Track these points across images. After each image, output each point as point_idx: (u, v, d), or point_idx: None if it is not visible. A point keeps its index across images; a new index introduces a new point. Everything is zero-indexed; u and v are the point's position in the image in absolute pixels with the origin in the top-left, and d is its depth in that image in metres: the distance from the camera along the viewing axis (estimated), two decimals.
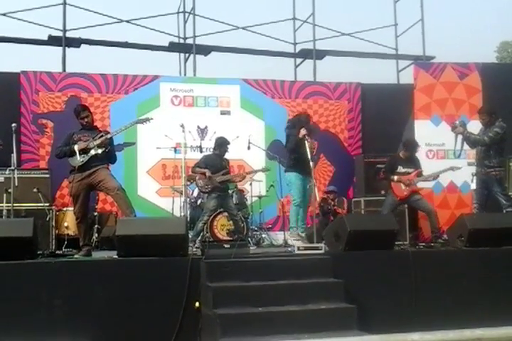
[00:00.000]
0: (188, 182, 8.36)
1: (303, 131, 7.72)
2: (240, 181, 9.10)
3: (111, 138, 6.90)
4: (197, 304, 5.74)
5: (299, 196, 7.80)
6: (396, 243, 6.91)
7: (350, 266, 6.23)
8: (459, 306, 6.30)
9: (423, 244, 8.07)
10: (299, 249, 6.57)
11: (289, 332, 5.16)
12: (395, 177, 8.29)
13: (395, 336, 3.08)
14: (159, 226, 6.12)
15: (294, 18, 12.73)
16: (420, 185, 8.54)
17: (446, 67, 10.53)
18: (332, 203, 10.09)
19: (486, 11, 31.07)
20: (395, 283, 6.28)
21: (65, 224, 8.43)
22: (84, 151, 6.68)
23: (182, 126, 7.57)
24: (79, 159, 6.65)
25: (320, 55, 12.30)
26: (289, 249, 7.15)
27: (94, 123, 7.27)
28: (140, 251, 5.85)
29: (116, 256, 6.05)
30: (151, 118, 7.14)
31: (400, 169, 8.35)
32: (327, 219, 9.76)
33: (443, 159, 10.07)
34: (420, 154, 9.07)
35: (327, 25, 12.46)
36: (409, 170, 8.37)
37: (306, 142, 7.54)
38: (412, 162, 8.50)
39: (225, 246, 6.31)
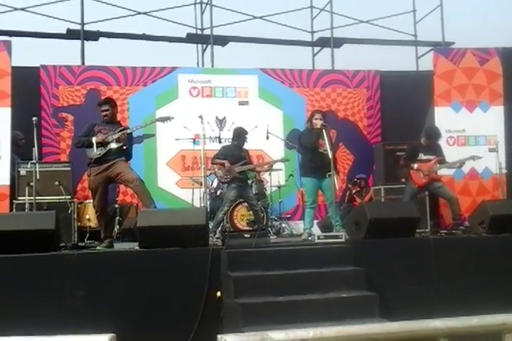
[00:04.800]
0: (208, 173, 8.38)
1: (320, 121, 7.56)
2: (267, 170, 9.12)
3: (130, 133, 6.90)
4: (218, 294, 5.77)
5: (311, 198, 7.61)
6: (417, 230, 6.88)
7: (371, 254, 6.21)
8: (482, 293, 6.25)
9: (444, 231, 8.03)
10: (319, 238, 6.57)
11: (311, 320, 5.13)
12: (415, 166, 8.18)
13: (417, 323, 3.08)
14: (180, 217, 6.16)
15: (312, 7, 12.65)
16: (441, 172, 8.47)
17: (466, 53, 10.38)
18: (354, 191, 10.11)
19: None
20: (417, 271, 6.25)
21: (87, 217, 8.48)
22: (102, 144, 6.71)
23: (201, 117, 7.59)
24: (96, 151, 6.69)
25: (338, 43, 12.24)
26: (310, 238, 7.16)
27: (118, 118, 7.26)
28: (161, 242, 5.90)
29: (137, 248, 6.09)
30: (172, 117, 7.05)
31: (421, 156, 8.24)
32: (351, 206, 9.79)
33: (464, 146, 9.97)
34: (441, 141, 8.96)
35: (344, 13, 12.38)
36: (431, 157, 8.27)
37: (324, 132, 7.39)
38: (434, 149, 8.39)
39: (246, 235, 6.32)
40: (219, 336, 2.81)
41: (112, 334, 2.85)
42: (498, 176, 9.44)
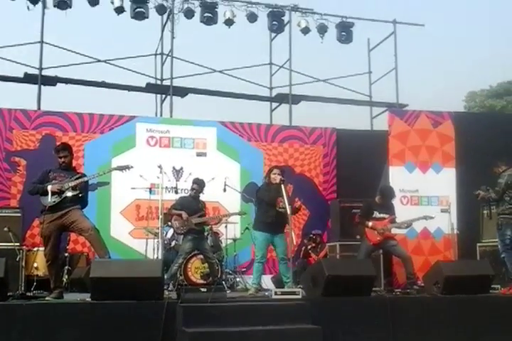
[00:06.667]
0: (164, 224, 8.27)
1: (278, 176, 7.50)
2: (216, 224, 9.03)
3: (86, 181, 6.78)
4: None
5: (261, 253, 7.50)
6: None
7: (328, 312, 6.18)
8: None
9: (398, 290, 8.05)
10: (276, 293, 6.49)
11: None
12: (370, 224, 8.27)
13: None
14: (135, 269, 6.03)
15: (271, 63, 12.94)
16: (394, 230, 8.55)
17: (420, 115, 10.74)
18: (309, 246, 10.13)
19: (454, 64, 32.10)
20: (373, 329, 6.23)
21: (35, 265, 8.24)
22: (57, 192, 6.55)
23: (160, 167, 7.55)
24: (50, 200, 6.49)
25: (296, 99, 12.45)
26: (266, 293, 7.06)
27: (73, 165, 7.10)
28: (115, 294, 5.74)
29: (89, 299, 5.90)
30: (131, 167, 7.01)
31: (376, 214, 8.34)
32: (305, 262, 9.78)
33: (417, 205, 10.20)
34: (394, 200, 9.09)
35: (303, 71, 12.70)
36: (385, 215, 8.38)
37: (282, 187, 7.28)
38: (387, 208, 8.51)
39: (202, 289, 6.19)
40: None
41: None
42: (450, 236, 9.62)
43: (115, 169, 7.20)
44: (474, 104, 25.51)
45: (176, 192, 9.33)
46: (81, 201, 6.73)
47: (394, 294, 7.44)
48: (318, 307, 6.14)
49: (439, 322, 6.45)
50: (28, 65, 11.23)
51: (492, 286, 7.25)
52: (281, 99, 12.57)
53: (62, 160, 6.75)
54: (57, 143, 7.29)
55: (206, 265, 8.57)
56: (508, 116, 17.14)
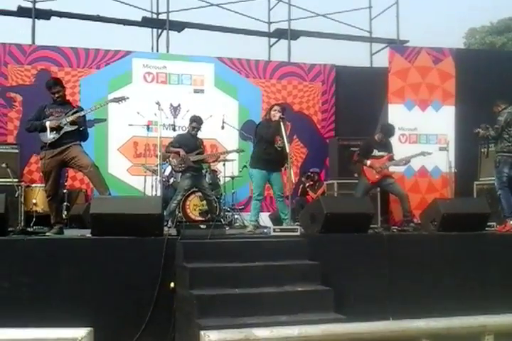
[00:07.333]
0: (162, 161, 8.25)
1: (278, 113, 7.36)
2: (214, 161, 9.01)
3: (84, 115, 6.70)
4: (172, 284, 5.68)
5: (258, 190, 7.43)
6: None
7: (326, 249, 6.22)
8: (432, 289, 6.40)
9: (396, 227, 8.13)
10: (274, 230, 6.55)
11: (266, 313, 5.13)
12: (368, 162, 8.26)
13: (400, 323, 3.09)
14: (135, 206, 6.02)
15: None
16: (392, 169, 8.56)
17: (421, 52, 10.56)
18: (307, 184, 10.19)
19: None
20: (370, 266, 6.30)
21: (34, 201, 8.25)
22: (55, 128, 6.48)
23: (158, 103, 7.45)
24: (50, 136, 6.41)
25: (294, 35, 12.22)
26: (265, 230, 7.12)
27: (67, 98, 6.99)
28: (114, 230, 5.75)
29: (89, 235, 5.93)
30: (127, 98, 6.90)
31: (376, 152, 8.33)
32: (303, 200, 9.84)
33: (415, 143, 10.17)
34: (393, 138, 9.06)
35: (302, 6, 12.39)
36: (384, 153, 8.37)
37: (281, 124, 7.20)
38: (386, 146, 8.51)
39: (201, 226, 6.25)
40: (202, 332, 2.73)
41: (89, 328, 2.74)
42: (448, 175, 9.64)
43: (111, 101, 7.07)
44: (474, 40, 25.12)
45: (174, 130, 9.28)
46: (81, 135, 6.68)
47: (391, 231, 7.51)
48: (316, 244, 6.19)
49: (435, 258, 6.53)
50: None
51: (488, 224, 7.32)
52: (279, 34, 12.31)
53: (56, 95, 6.64)
54: (48, 79, 7.10)
55: (205, 202, 8.61)
56: (508, 53, 16.90)
